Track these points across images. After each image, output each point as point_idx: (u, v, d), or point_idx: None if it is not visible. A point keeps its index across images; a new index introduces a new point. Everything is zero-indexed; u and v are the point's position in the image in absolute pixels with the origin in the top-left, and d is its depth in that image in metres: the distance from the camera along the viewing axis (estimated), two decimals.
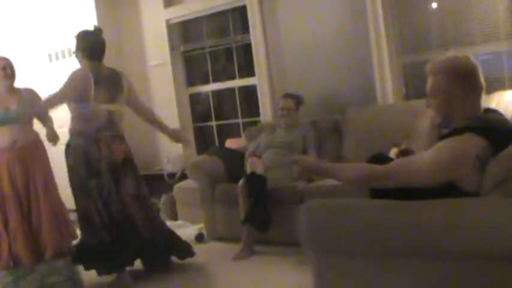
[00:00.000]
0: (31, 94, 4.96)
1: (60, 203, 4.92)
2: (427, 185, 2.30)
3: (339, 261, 2.38)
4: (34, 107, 4.87)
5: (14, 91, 4.90)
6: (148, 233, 4.35)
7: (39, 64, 7.33)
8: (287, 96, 5.25)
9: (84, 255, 4.32)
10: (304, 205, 2.48)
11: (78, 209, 4.37)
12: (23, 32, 7.34)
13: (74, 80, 4.28)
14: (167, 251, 4.49)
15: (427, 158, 2.34)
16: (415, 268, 2.20)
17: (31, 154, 4.82)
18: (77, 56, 4.46)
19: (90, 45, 4.38)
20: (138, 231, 4.31)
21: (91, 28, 4.52)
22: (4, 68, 4.83)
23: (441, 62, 2.46)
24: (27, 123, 4.89)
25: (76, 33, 4.47)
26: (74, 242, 4.80)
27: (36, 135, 4.95)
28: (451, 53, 2.57)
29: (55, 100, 4.36)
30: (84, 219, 4.30)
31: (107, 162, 4.26)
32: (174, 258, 4.55)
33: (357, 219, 2.33)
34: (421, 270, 2.19)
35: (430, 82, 2.48)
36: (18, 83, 4.99)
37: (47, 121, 4.91)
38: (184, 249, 4.56)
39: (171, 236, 4.58)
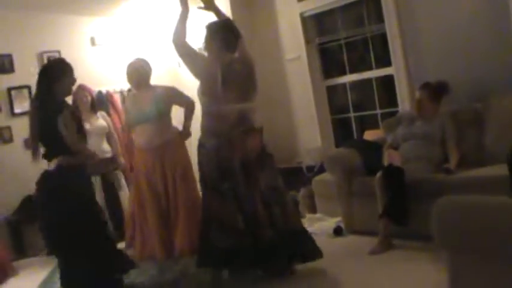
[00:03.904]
0: (167, 91, 5.09)
1: (197, 201, 4.88)
2: None
3: (474, 262, 2.29)
4: (170, 103, 5.04)
5: (149, 89, 5.07)
6: (279, 236, 4.08)
7: (169, 69, 7.58)
8: (422, 87, 5.03)
9: (211, 255, 4.18)
10: (438, 202, 2.41)
11: (204, 209, 4.24)
12: (158, 37, 7.52)
13: (204, 68, 4.11)
14: (291, 258, 4.21)
15: None
16: None
17: (168, 152, 4.95)
18: (206, 49, 4.27)
19: (227, 35, 4.17)
20: (267, 236, 4.07)
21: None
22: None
23: None
24: (162, 120, 4.98)
25: (208, 23, 4.26)
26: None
27: (174, 133, 5.08)
28: None
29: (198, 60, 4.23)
30: (214, 221, 4.12)
31: (240, 161, 4.06)
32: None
33: (494, 219, 2.22)
34: None
35: None
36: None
37: (188, 118, 5.07)
38: (310, 252, 4.24)
39: (303, 237, 4.28)
